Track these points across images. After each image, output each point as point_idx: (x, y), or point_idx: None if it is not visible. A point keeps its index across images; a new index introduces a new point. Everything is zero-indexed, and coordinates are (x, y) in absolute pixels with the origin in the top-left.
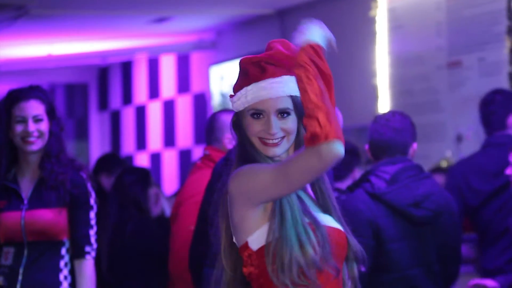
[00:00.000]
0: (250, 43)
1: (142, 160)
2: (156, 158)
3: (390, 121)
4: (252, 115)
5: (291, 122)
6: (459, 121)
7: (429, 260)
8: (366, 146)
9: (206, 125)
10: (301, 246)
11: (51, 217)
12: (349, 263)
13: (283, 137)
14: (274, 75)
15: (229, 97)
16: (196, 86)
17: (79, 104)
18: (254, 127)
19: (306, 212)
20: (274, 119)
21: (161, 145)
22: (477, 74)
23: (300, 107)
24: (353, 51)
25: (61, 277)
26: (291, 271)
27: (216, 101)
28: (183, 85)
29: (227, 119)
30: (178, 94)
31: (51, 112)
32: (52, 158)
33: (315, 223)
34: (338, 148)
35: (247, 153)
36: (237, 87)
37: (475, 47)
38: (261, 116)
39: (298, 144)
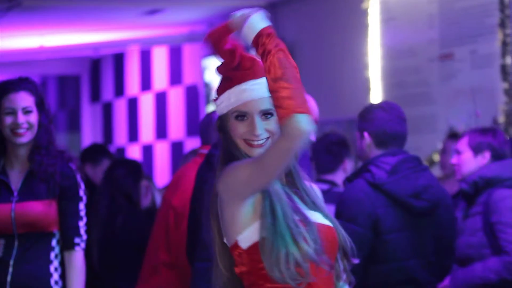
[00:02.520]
0: None
1: (134, 152)
2: (148, 150)
3: (398, 111)
4: (236, 117)
5: (274, 123)
6: (450, 113)
7: (426, 252)
8: (366, 134)
9: (202, 124)
10: (295, 241)
11: (41, 209)
12: (341, 257)
13: (267, 138)
14: (255, 76)
15: (213, 101)
16: (188, 78)
17: (71, 96)
18: (239, 129)
19: (296, 209)
20: (258, 120)
21: (153, 137)
22: (469, 67)
23: None
24: (345, 43)
25: (52, 268)
26: (289, 266)
27: (208, 93)
28: (175, 77)
29: None
30: (170, 86)
31: (40, 104)
32: (41, 150)
33: (305, 220)
34: (304, 121)
35: (231, 155)
36: (220, 91)
37: (467, 40)
38: (245, 118)
39: None
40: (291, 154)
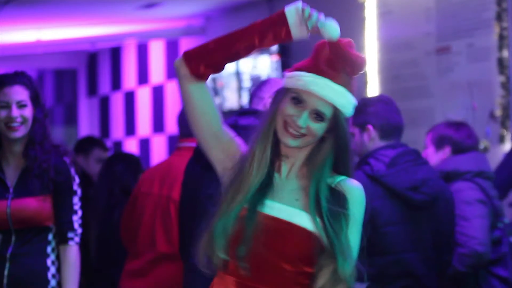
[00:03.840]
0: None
1: (131, 145)
2: (145, 144)
3: (395, 103)
4: (293, 98)
5: (320, 127)
6: (447, 107)
7: (424, 245)
8: (370, 126)
9: (181, 115)
10: (216, 236)
11: (36, 205)
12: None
13: (304, 135)
14: (334, 79)
15: (284, 70)
16: None
17: (68, 89)
18: (287, 109)
19: (254, 196)
20: (306, 114)
21: (150, 130)
22: (466, 60)
23: (336, 124)
24: (342, 36)
25: (49, 262)
26: (202, 259)
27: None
28: (172, 71)
29: None
30: (167, 80)
31: (35, 99)
32: (36, 145)
33: (250, 208)
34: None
35: (264, 126)
36: (299, 67)
37: (464, 33)
38: (299, 104)
39: (311, 154)
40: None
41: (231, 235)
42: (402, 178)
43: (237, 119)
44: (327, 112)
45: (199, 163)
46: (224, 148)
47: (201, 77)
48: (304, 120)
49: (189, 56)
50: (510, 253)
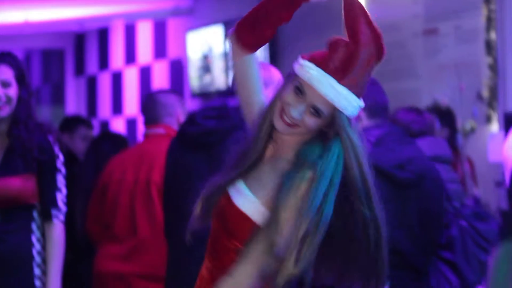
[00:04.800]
0: (228, 9)
1: (118, 125)
2: (132, 124)
3: (380, 84)
4: (296, 87)
5: (314, 122)
6: (434, 88)
7: (410, 223)
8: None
9: (149, 102)
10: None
11: (20, 184)
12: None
13: (296, 125)
14: (341, 80)
15: (300, 56)
16: (172, 53)
17: (55, 69)
18: (287, 97)
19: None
20: (303, 107)
21: (137, 110)
22: (454, 42)
23: (335, 124)
24: (330, 18)
25: (34, 239)
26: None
27: (193, 67)
28: (160, 51)
29: (174, 97)
30: (154, 60)
31: (20, 78)
32: (20, 125)
33: (220, 185)
34: None
35: (267, 107)
36: (312, 57)
37: (452, 15)
38: (300, 94)
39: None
40: None
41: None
42: (388, 157)
43: (225, 101)
44: (325, 110)
45: (187, 145)
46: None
47: (251, 48)
48: (299, 113)
49: (237, 30)
50: (459, 237)
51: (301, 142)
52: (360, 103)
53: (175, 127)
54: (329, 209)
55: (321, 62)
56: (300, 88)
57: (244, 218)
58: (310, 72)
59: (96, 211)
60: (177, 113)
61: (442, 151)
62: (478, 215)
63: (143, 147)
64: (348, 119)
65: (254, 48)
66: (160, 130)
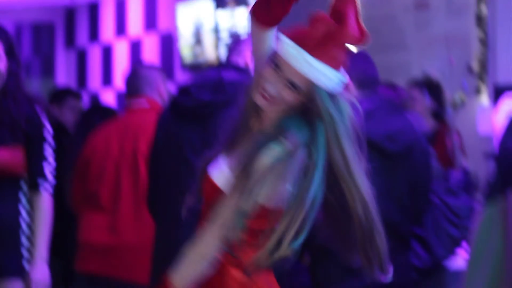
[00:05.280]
0: None
1: (108, 97)
2: (122, 97)
3: (371, 58)
4: (274, 63)
5: (292, 97)
6: (425, 61)
7: (400, 194)
8: (348, 79)
9: (132, 77)
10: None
11: (7, 155)
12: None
13: (276, 100)
14: (316, 55)
15: (280, 31)
16: (163, 25)
17: (45, 43)
18: (266, 72)
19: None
20: (279, 82)
21: None
22: (444, 15)
23: (313, 100)
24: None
25: (21, 208)
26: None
27: (183, 40)
28: (150, 24)
29: (156, 72)
30: (145, 34)
31: (10, 52)
32: (8, 97)
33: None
34: None
35: (251, 83)
36: (290, 33)
37: None
38: (277, 70)
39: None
40: None
41: None
42: (378, 130)
43: (221, 75)
44: (302, 85)
45: (181, 117)
46: None
47: (268, 25)
48: (276, 88)
49: (254, 8)
50: (430, 212)
51: (281, 114)
52: (343, 78)
53: (158, 101)
54: (320, 193)
55: (299, 38)
56: (277, 64)
57: (217, 190)
58: (286, 48)
59: (79, 185)
60: (159, 87)
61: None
62: (450, 191)
63: (127, 120)
64: (330, 94)
65: (270, 25)
66: (143, 102)
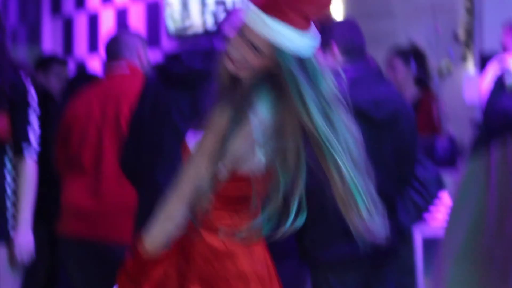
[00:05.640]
0: None
1: (94, 65)
2: None
3: (359, 27)
4: (238, 28)
5: (256, 61)
6: (411, 29)
7: (386, 161)
8: (334, 46)
9: (112, 41)
10: None
11: None
12: None
13: (242, 65)
14: (279, 18)
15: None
16: None
17: (31, 10)
18: (231, 39)
19: None
20: (242, 47)
21: None
22: None
23: (277, 64)
24: None
25: (6, 172)
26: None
27: (170, 9)
28: None
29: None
30: (131, 2)
31: None
32: None
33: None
34: None
35: None
36: (257, 1)
37: None
38: (241, 36)
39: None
40: None
41: None
42: (364, 97)
43: (213, 43)
44: (265, 48)
45: (170, 84)
46: None
47: None
48: (238, 52)
49: None
50: None
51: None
52: (312, 41)
53: (138, 66)
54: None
55: (261, 3)
56: (241, 28)
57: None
58: (248, 12)
59: (62, 146)
60: (139, 52)
61: None
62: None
63: (108, 85)
64: (296, 57)
65: None
66: (123, 67)
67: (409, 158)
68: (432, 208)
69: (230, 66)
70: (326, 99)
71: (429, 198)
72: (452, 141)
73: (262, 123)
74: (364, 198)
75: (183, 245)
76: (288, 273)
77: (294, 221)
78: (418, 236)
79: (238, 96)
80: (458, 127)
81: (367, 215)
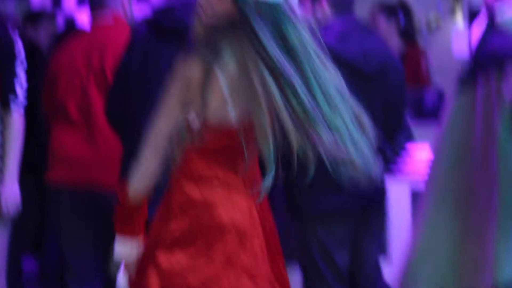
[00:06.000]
0: None
1: (83, 18)
2: None
3: None
4: None
5: (219, 5)
6: None
7: (374, 112)
8: (323, 0)
9: None
10: None
11: None
12: None
13: (206, 10)
14: None
15: None
16: None
17: None
18: None
19: None
20: None
21: None
22: None
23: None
24: None
25: None
26: None
27: None
28: None
29: None
30: None
31: None
32: None
33: None
34: None
35: None
36: None
37: None
38: None
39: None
40: None
41: None
42: (352, 49)
43: None
44: None
45: (162, 37)
46: None
47: None
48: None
49: None
50: None
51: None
52: None
53: (121, 16)
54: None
55: None
56: None
57: None
58: None
59: (49, 97)
60: (123, 2)
61: None
62: None
63: (92, 35)
64: (259, 4)
65: None
66: (107, 17)
67: (397, 111)
68: (399, 159)
69: (200, 14)
70: (293, 46)
71: (397, 149)
72: (440, 94)
73: (229, 73)
74: (349, 131)
75: (167, 194)
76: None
77: (277, 174)
78: (406, 188)
79: (206, 46)
80: (447, 80)
81: (352, 147)
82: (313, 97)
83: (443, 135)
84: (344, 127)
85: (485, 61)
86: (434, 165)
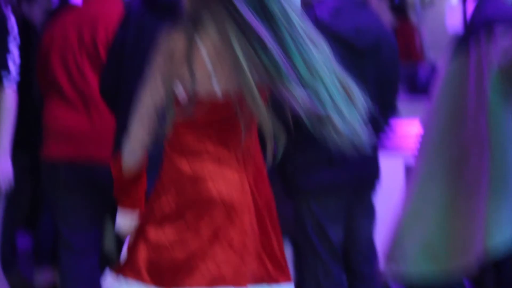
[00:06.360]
0: None
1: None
2: None
3: None
4: None
5: None
6: None
7: (368, 87)
8: None
9: None
10: None
11: None
12: None
13: None
14: None
15: None
16: None
17: None
18: None
19: None
20: None
21: None
22: None
23: None
24: None
25: None
26: None
27: None
28: None
29: None
30: None
31: None
32: None
33: None
34: None
35: None
36: None
37: None
38: None
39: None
40: None
41: None
42: (346, 24)
43: None
44: None
45: (156, 13)
46: None
47: None
48: None
49: None
50: None
51: None
52: None
53: None
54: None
55: None
56: None
57: None
58: None
59: (42, 72)
60: None
61: None
62: None
63: (84, 10)
64: None
65: None
66: None
67: (391, 86)
68: (382, 135)
69: None
70: (272, 13)
71: (382, 125)
72: (434, 69)
73: (211, 42)
74: (332, 100)
75: (160, 169)
76: None
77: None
78: (400, 162)
79: (189, 17)
80: (441, 55)
81: (336, 115)
82: (289, 59)
83: (437, 99)
84: (326, 94)
85: (477, 26)
86: (428, 128)
